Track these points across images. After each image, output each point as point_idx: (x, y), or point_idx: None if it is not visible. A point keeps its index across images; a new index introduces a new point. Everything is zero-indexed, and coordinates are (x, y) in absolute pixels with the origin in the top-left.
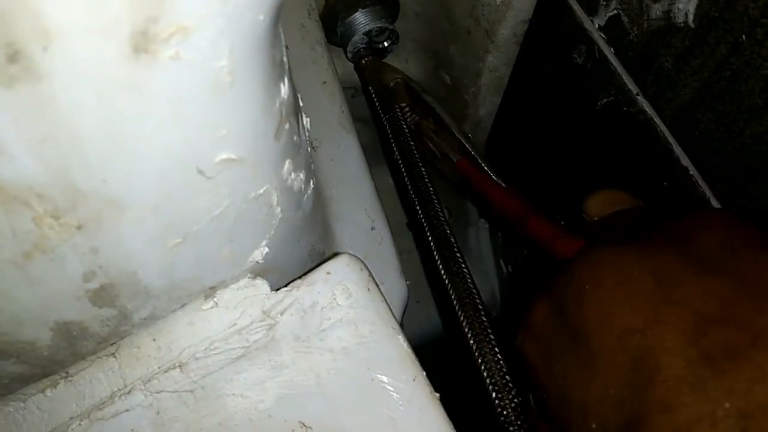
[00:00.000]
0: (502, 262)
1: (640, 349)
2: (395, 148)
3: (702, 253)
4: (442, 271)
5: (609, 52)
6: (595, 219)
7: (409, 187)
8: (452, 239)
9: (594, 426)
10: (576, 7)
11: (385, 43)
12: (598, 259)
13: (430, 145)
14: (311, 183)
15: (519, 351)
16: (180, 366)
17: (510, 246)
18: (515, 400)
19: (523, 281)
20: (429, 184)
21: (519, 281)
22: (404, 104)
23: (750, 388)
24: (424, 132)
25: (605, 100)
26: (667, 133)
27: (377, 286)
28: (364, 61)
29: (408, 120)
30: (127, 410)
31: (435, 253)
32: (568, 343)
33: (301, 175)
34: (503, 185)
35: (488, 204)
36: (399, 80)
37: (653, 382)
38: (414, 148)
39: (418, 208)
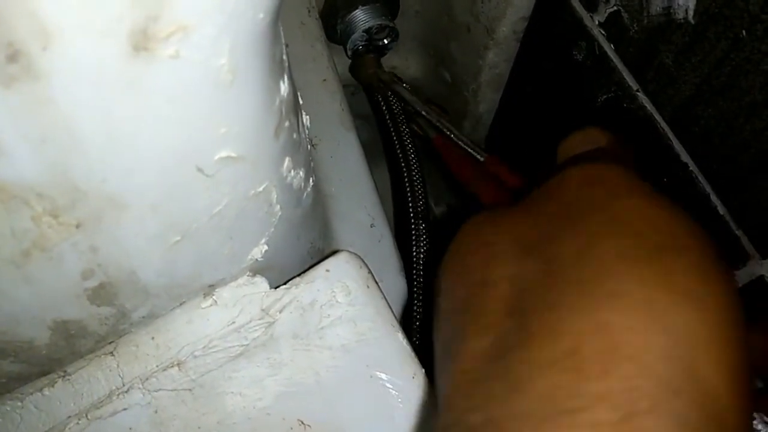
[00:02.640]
0: None
1: (477, 281)
2: (397, 145)
3: (532, 229)
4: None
5: (609, 49)
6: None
7: (406, 184)
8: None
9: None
10: (576, 3)
11: (385, 41)
12: (463, 227)
13: (416, 128)
14: (311, 180)
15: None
16: (178, 364)
17: None
18: None
19: None
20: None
21: None
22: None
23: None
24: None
25: (605, 96)
26: (667, 129)
27: (376, 283)
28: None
29: (393, 107)
30: (125, 409)
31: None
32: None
33: (301, 173)
34: (480, 158)
35: (458, 179)
36: (373, 74)
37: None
38: (411, 146)
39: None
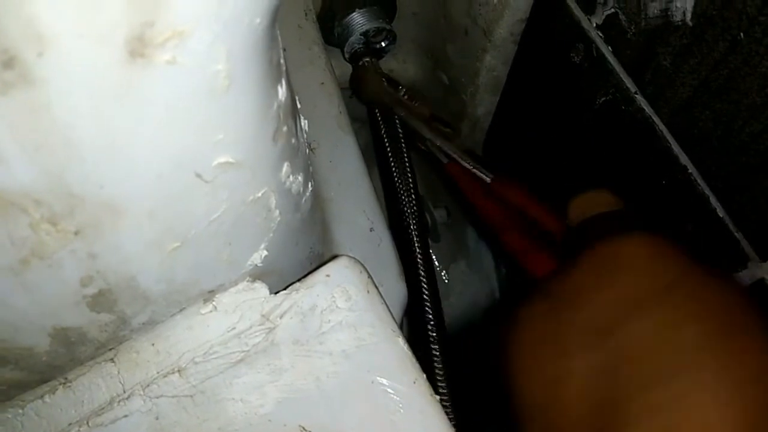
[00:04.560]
0: (501, 261)
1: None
2: (390, 150)
3: (598, 314)
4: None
5: (607, 51)
6: (576, 224)
7: (400, 190)
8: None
9: None
10: (573, 5)
11: (383, 44)
12: (516, 319)
13: (421, 146)
14: (309, 185)
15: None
16: (179, 371)
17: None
18: None
19: (521, 282)
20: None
21: (518, 282)
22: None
23: None
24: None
25: (603, 98)
26: (665, 131)
27: (376, 288)
28: (354, 68)
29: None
30: (126, 416)
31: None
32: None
33: (300, 178)
34: (488, 180)
35: (474, 210)
36: (382, 89)
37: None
38: (405, 152)
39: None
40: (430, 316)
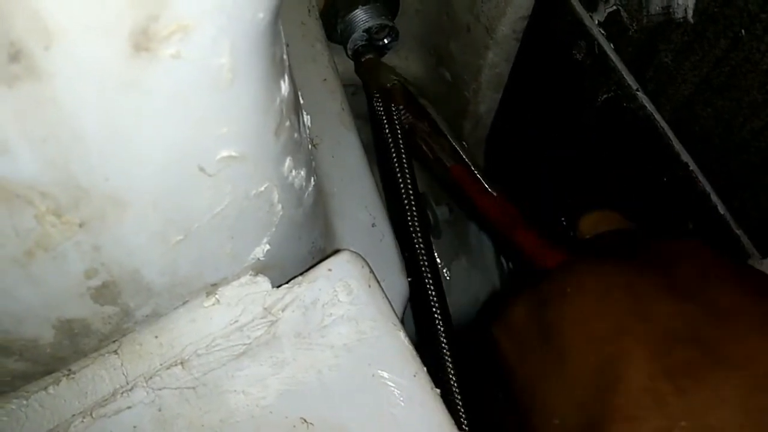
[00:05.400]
0: (502, 259)
1: (607, 355)
2: (391, 147)
3: (677, 278)
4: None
5: (608, 48)
6: (587, 237)
7: (401, 184)
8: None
9: (556, 422)
10: (575, 2)
11: (385, 40)
12: (582, 268)
13: (424, 147)
14: (312, 180)
15: (493, 339)
16: (182, 363)
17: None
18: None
19: (523, 278)
20: (410, 185)
21: (519, 278)
22: (400, 106)
23: (706, 411)
24: (419, 134)
25: (605, 95)
26: (666, 128)
27: (378, 282)
28: (363, 59)
29: (403, 120)
30: (129, 407)
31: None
32: (543, 339)
33: (302, 173)
34: (494, 194)
35: (478, 211)
36: (396, 82)
37: (616, 390)
38: (404, 147)
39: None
40: (437, 313)
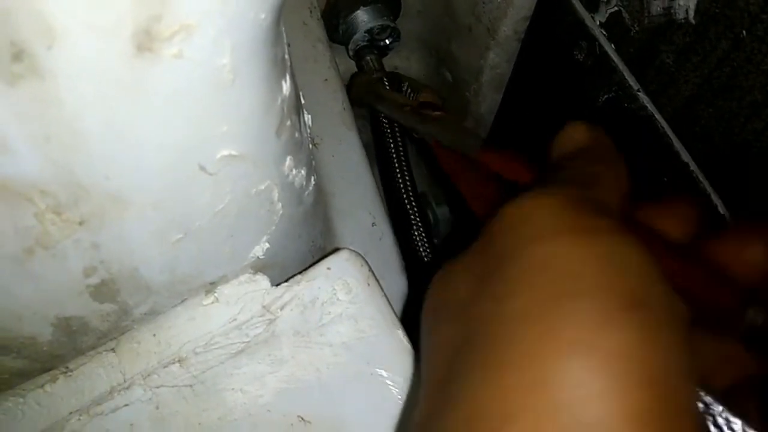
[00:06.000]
0: None
1: None
2: (390, 147)
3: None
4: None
5: (610, 49)
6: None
7: (399, 186)
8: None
9: None
10: (577, 3)
11: (387, 41)
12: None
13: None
14: (312, 179)
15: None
16: (180, 361)
17: None
18: None
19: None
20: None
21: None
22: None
23: None
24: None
25: (606, 96)
26: (667, 128)
27: (377, 281)
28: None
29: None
30: (126, 405)
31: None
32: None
33: (303, 172)
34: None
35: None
36: (375, 81)
37: None
38: (403, 149)
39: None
40: None
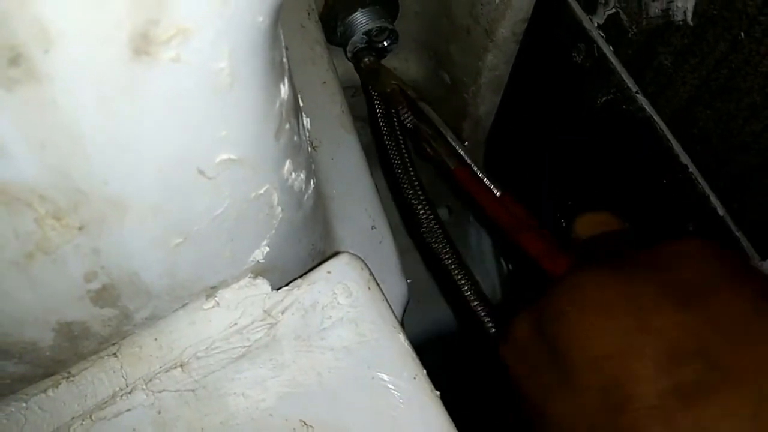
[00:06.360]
0: (502, 260)
1: (613, 375)
2: (392, 148)
3: (679, 284)
4: (450, 266)
5: (608, 51)
6: (584, 239)
7: (405, 185)
8: (444, 235)
9: None
10: (575, 5)
11: (385, 43)
12: (579, 283)
13: (428, 149)
14: (312, 183)
15: (502, 361)
16: (181, 365)
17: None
18: None
19: (523, 280)
20: (417, 185)
21: (519, 280)
22: (402, 107)
23: (715, 426)
24: (422, 136)
25: (604, 98)
26: (666, 130)
27: (378, 285)
28: (362, 64)
29: (406, 122)
30: (128, 410)
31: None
32: (549, 360)
33: (302, 175)
34: (497, 194)
35: (484, 213)
36: (395, 86)
37: (624, 409)
38: (405, 149)
39: (414, 205)
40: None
